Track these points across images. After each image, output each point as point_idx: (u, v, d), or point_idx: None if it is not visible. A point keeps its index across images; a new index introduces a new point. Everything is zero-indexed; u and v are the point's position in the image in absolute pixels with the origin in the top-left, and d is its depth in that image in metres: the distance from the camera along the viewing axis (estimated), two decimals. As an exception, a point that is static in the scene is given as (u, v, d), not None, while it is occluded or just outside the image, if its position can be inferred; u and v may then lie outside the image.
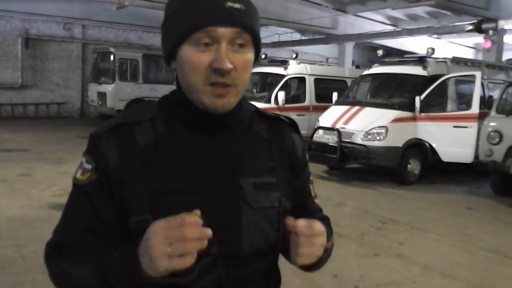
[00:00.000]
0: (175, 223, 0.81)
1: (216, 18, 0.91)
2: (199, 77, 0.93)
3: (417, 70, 9.08)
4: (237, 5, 0.92)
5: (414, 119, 8.55)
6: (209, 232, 0.81)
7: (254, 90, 11.95)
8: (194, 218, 0.81)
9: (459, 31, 14.44)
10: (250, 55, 0.96)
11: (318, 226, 0.97)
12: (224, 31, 0.91)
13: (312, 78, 11.63)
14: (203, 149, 0.98)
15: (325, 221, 1.13)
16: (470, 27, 13.33)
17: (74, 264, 0.93)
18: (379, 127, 8.39)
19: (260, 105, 10.57)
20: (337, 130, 8.61)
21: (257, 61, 1.03)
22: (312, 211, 1.16)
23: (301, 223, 0.94)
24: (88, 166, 0.97)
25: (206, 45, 0.92)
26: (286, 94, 10.77)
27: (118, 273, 0.87)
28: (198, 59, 0.92)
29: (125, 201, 0.95)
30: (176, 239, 0.80)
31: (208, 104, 0.95)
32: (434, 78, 8.77)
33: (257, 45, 0.98)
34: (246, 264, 0.98)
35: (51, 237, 1.01)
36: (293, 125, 1.15)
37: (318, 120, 9.38)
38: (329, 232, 1.05)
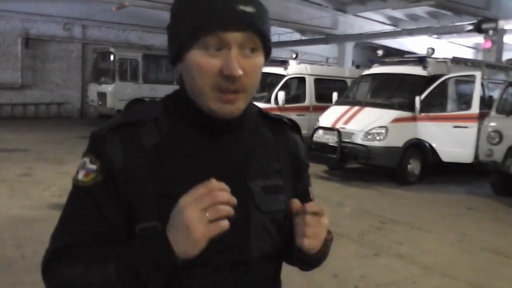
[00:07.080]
0: (205, 190, 0.80)
1: (227, 22, 0.87)
2: (207, 82, 0.89)
3: (417, 70, 9.08)
4: (249, 9, 0.88)
5: (414, 119, 8.54)
6: (235, 199, 0.81)
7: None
8: (220, 183, 0.81)
9: (459, 31, 14.45)
10: (260, 59, 0.93)
11: (322, 206, 0.96)
12: (235, 36, 0.87)
13: (312, 78, 11.63)
14: (210, 151, 0.95)
15: None
16: (470, 27, 13.33)
17: (87, 265, 0.85)
18: (379, 127, 8.39)
19: (260, 105, 10.52)
20: (337, 130, 8.61)
21: (266, 61, 0.99)
22: None
23: (307, 203, 0.95)
24: (93, 167, 0.91)
25: (216, 49, 0.88)
26: (286, 94, 10.78)
27: (148, 266, 0.81)
28: (207, 64, 0.88)
29: (131, 205, 0.90)
30: (211, 204, 0.79)
31: (216, 109, 0.91)
32: (434, 78, 8.76)
33: (267, 48, 0.95)
34: (255, 269, 0.96)
35: (50, 244, 0.92)
36: (295, 126, 1.13)
37: (318, 120, 9.38)
38: None
